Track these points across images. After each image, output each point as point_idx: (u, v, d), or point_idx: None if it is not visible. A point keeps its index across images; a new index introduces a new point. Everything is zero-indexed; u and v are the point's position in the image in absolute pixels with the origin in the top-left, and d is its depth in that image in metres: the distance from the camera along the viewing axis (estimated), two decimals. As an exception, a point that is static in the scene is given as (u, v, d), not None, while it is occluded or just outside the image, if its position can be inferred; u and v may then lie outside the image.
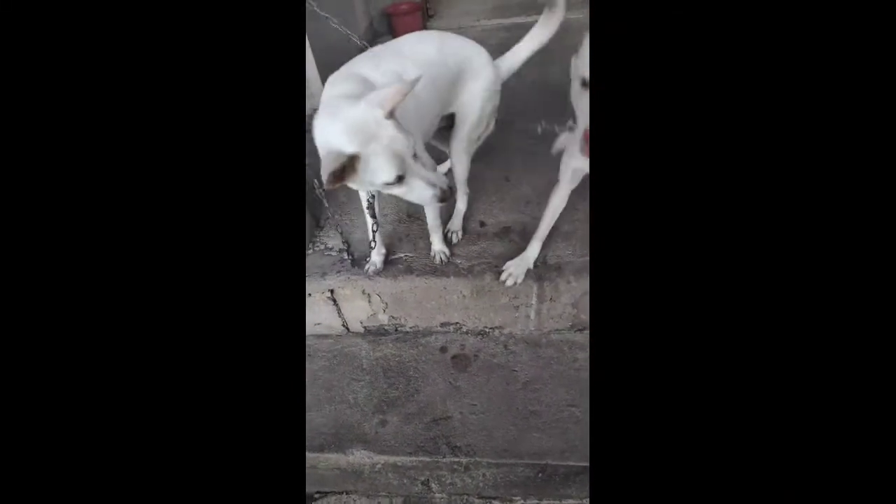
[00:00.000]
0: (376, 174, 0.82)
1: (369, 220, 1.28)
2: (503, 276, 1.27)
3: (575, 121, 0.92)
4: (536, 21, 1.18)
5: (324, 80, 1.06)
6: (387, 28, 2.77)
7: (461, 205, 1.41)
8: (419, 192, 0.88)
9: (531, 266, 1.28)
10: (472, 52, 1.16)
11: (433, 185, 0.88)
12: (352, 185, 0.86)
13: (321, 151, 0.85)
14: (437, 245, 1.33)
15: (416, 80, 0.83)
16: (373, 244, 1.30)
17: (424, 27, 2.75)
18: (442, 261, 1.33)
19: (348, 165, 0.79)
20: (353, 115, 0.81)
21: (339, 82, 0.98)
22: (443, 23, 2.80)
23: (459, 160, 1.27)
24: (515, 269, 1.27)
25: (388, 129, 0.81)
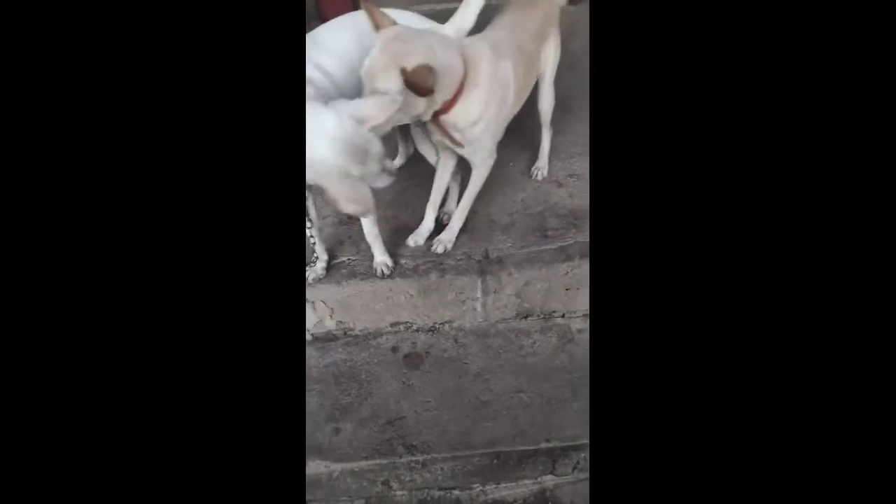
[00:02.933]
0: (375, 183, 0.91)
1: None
2: (434, 247, 1.31)
3: None
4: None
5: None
6: (316, 12, 2.62)
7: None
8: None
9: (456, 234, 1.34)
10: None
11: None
12: None
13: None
14: (379, 256, 1.30)
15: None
16: (315, 256, 1.26)
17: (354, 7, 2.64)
18: (384, 273, 1.30)
19: None
20: (341, 131, 0.82)
21: None
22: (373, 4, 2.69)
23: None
24: (445, 236, 1.32)
25: (377, 146, 0.87)
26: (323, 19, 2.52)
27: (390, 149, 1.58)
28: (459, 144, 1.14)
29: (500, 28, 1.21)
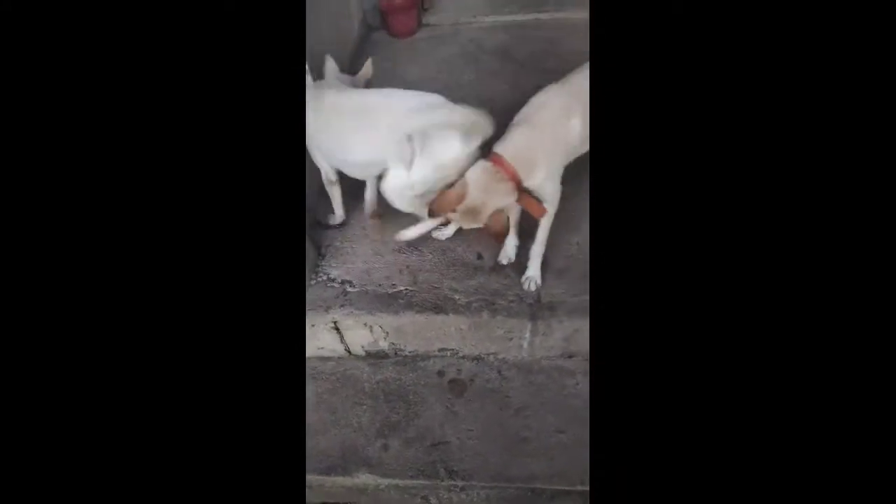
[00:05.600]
0: None
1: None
2: (526, 286, 1.39)
3: None
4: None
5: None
6: (380, 23, 2.69)
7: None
8: None
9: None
10: None
11: None
12: None
13: None
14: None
15: None
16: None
17: (419, 22, 2.68)
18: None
19: None
20: None
21: None
22: (438, 18, 2.71)
23: None
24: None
25: None
26: (392, 36, 2.60)
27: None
28: None
29: None
